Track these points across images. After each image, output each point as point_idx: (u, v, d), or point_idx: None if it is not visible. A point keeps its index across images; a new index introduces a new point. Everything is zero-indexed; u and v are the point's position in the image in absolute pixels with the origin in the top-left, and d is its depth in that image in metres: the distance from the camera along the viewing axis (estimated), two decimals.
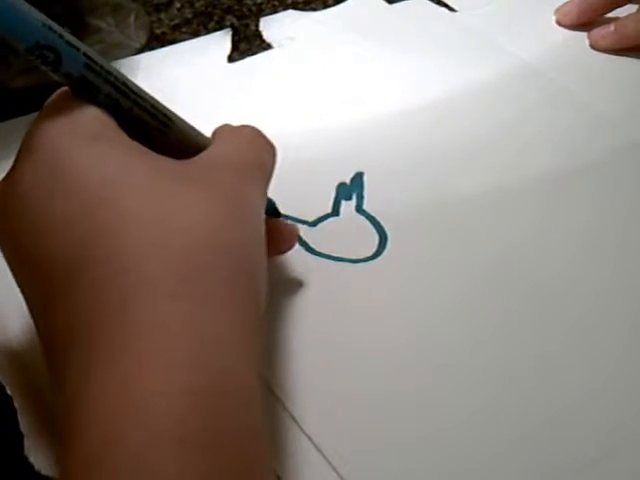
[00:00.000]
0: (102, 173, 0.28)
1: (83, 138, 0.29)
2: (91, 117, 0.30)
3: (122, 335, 0.25)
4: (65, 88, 0.31)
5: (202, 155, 0.32)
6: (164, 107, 0.33)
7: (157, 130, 0.32)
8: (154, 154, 0.30)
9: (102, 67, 0.30)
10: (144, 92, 0.32)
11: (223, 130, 0.35)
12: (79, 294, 0.26)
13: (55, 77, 0.29)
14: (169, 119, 0.33)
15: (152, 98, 0.32)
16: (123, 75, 0.31)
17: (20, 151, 0.30)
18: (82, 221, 0.27)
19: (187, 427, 0.23)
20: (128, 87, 0.31)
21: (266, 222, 0.35)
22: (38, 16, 0.28)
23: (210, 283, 0.27)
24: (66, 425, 0.25)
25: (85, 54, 0.30)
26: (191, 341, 0.25)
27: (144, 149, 0.30)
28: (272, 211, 0.38)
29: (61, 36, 0.29)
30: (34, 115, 0.46)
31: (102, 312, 0.26)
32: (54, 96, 0.31)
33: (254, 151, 0.33)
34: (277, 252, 0.38)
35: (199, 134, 0.34)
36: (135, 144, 0.30)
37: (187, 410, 0.24)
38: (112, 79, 0.31)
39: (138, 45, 0.53)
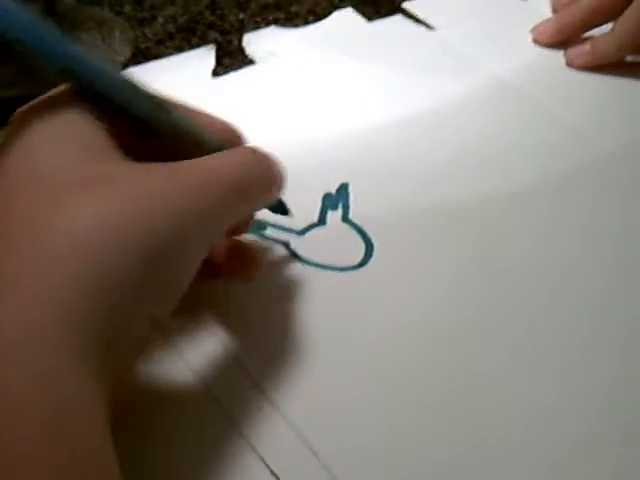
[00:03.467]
0: (21, 171, 0.28)
1: (45, 124, 0.29)
2: (71, 108, 0.30)
3: None
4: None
5: (184, 163, 0.31)
6: (162, 98, 0.32)
7: (155, 120, 0.32)
8: (109, 156, 0.30)
9: (97, 59, 0.30)
10: (138, 83, 0.31)
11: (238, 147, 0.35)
12: None
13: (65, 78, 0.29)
14: (167, 110, 0.32)
15: (148, 90, 0.32)
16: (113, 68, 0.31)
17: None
18: None
19: None
20: (120, 79, 0.31)
21: (231, 245, 0.36)
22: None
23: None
24: None
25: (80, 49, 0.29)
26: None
27: (103, 148, 0.30)
28: (280, 210, 0.39)
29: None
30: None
31: None
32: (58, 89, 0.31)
33: (238, 171, 0.32)
34: (240, 277, 0.38)
35: (206, 136, 0.34)
36: (95, 143, 0.29)
37: None
38: (103, 73, 0.30)
39: (123, 59, 0.54)
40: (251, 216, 0.38)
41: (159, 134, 0.32)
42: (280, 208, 0.39)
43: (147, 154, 0.31)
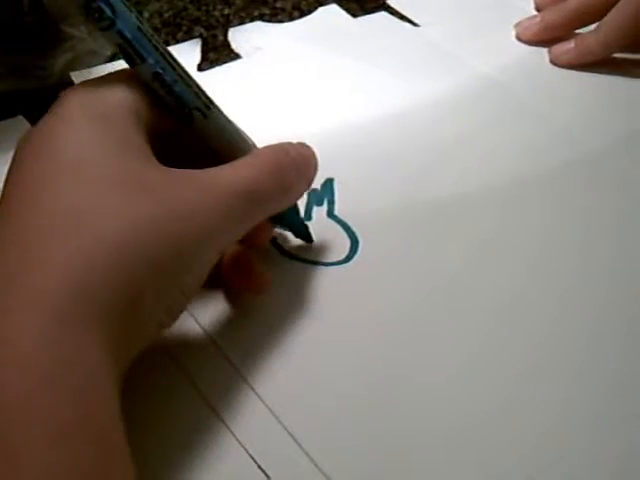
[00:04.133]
0: (67, 156, 0.29)
1: (88, 116, 0.30)
2: (116, 99, 0.31)
3: None
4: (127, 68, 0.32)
5: (202, 172, 0.32)
6: (205, 92, 0.34)
7: (198, 111, 0.33)
8: (147, 156, 0.31)
9: (152, 34, 0.31)
10: (188, 72, 0.33)
11: (258, 149, 0.36)
12: None
13: (105, 37, 0.30)
14: (211, 102, 0.34)
15: (195, 80, 0.33)
16: (169, 51, 0.32)
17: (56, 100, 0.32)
18: (13, 183, 0.30)
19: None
20: (174, 59, 0.32)
21: (243, 260, 0.37)
22: None
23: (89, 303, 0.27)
24: None
25: (138, 17, 0.31)
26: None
27: (138, 148, 0.31)
28: (304, 235, 0.40)
29: None
30: (9, 121, 0.47)
31: None
32: (114, 71, 0.33)
33: (250, 180, 0.33)
34: (245, 289, 0.39)
35: (240, 135, 0.35)
36: (132, 142, 0.31)
37: None
38: (161, 48, 0.32)
39: (109, 53, 0.54)
40: (269, 228, 0.39)
41: (192, 122, 0.33)
42: (305, 234, 0.41)
43: (176, 153, 0.33)
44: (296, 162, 0.36)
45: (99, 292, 0.27)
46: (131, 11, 0.31)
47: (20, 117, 0.48)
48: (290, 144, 0.37)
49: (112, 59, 0.53)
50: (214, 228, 0.31)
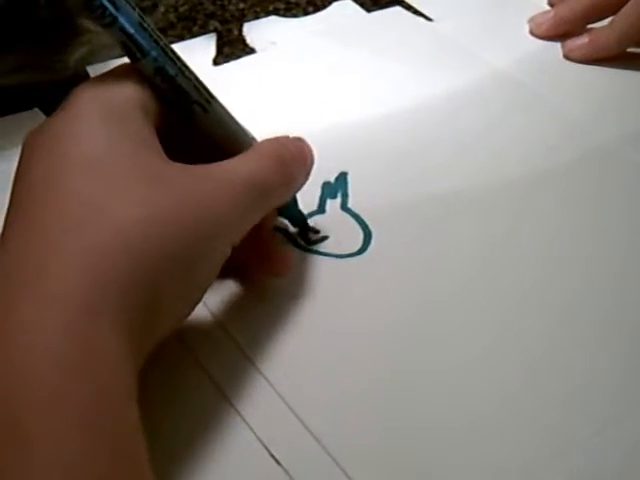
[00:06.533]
0: (80, 152, 0.30)
1: (99, 113, 0.31)
2: (124, 95, 0.32)
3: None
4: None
5: (209, 166, 0.33)
6: (207, 87, 0.34)
7: (198, 105, 0.33)
8: (157, 151, 0.32)
9: (153, 29, 0.32)
10: (188, 66, 0.33)
11: (259, 143, 0.36)
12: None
13: (108, 34, 0.31)
14: (211, 96, 0.34)
15: (196, 74, 0.34)
16: (170, 45, 0.33)
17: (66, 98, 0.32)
18: (24, 180, 0.30)
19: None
20: (175, 54, 0.33)
21: (262, 243, 0.37)
22: None
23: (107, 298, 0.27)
24: None
25: (139, 14, 0.31)
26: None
27: (149, 143, 0.31)
28: (302, 226, 0.41)
29: None
30: (26, 113, 0.47)
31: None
32: (121, 64, 0.33)
33: (257, 172, 0.34)
34: (269, 273, 0.39)
35: (240, 129, 0.36)
36: (142, 136, 0.31)
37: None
38: (162, 43, 0.32)
39: None
40: (274, 216, 0.39)
41: (193, 116, 0.34)
42: (303, 224, 0.41)
43: (179, 148, 0.33)
44: (295, 155, 0.37)
45: (118, 284, 0.27)
46: (132, 7, 0.31)
47: (36, 110, 0.49)
48: (286, 137, 0.37)
49: None
50: (228, 219, 0.32)
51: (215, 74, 0.54)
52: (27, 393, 0.24)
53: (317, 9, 0.61)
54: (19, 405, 0.24)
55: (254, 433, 0.33)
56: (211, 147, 0.35)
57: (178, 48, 0.54)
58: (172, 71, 0.33)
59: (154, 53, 0.32)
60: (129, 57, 0.32)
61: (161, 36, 0.32)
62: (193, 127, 0.34)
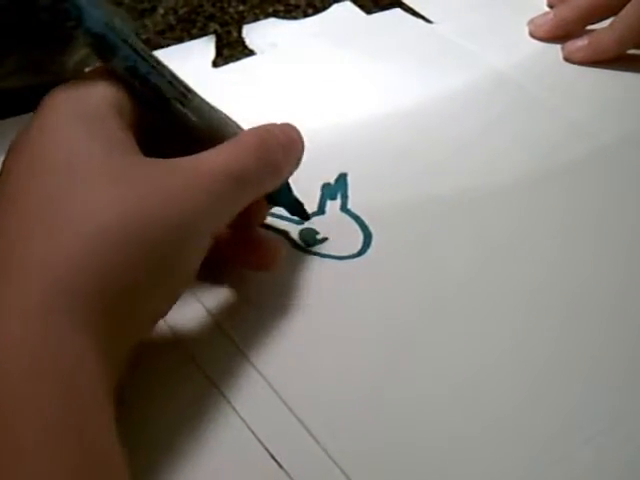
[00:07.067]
0: (51, 155, 0.30)
1: (72, 114, 0.31)
2: (97, 96, 0.32)
3: None
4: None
5: (185, 159, 0.32)
6: (183, 81, 0.34)
7: (176, 100, 0.33)
8: (131, 150, 0.32)
9: (121, 29, 0.31)
10: (162, 62, 0.33)
11: (242, 132, 0.36)
12: None
13: (77, 35, 0.31)
14: (188, 90, 0.34)
15: (170, 69, 0.34)
16: (140, 42, 0.33)
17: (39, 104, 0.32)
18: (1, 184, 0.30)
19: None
20: (146, 52, 0.32)
21: (250, 235, 0.37)
22: None
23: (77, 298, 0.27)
24: None
25: (105, 13, 0.31)
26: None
27: (122, 142, 0.31)
28: (299, 212, 0.41)
29: None
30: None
31: None
32: (94, 67, 0.34)
33: (234, 162, 0.33)
34: (257, 267, 0.39)
35: (223, 120, 0.35)
36: (116, 136, 0.31)
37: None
38: (131, 41, 0.32)
39: None
40: (264, 206, 0.39)
41: (170, 111, 0.34)
42: (300, 211, 0.41)
43: (161, 144, 0.33)
44: (281, 141, 0.36)
45: (81, 285, 0.27)
46: (98, 7, 0.31)
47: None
48: (274, 124, 0.37)
49: None
50: (200, 212, 0.31)
51: (214, 76, 0.54)
52: None
53: (317, 11, 0.61)
54: None
55: (253, 433, 0.33)
56: (195, 142, 0.34)
57: (177, 50, 0.56)
58: (144, 69, 0.32)
59: (123, 52, 0.32)
60: (99, 58, 0.32)
61: (131, 34, 0.32)
62: (173, 123, 0.34)
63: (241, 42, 0.57)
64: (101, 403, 0.27)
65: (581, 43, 0.55)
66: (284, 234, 0.42)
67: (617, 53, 0.55)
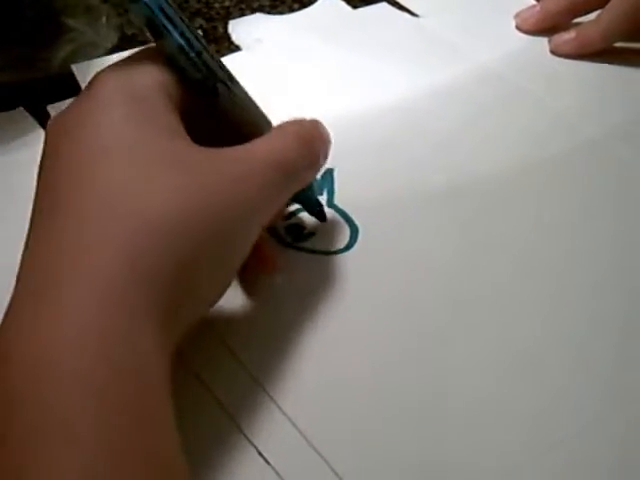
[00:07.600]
0: (106, 140, 0.30)
1: (122, 98, 0.31)
2: (147, 79, 0.31)
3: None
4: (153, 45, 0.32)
5: (236, 148, 0.33)
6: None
7: (222, 84, 0.33)
8: (179, 136, 0.31)
9: (174, 9, 0.31)
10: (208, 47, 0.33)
11: (281, 125, 0.36)
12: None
13: (133, 10, 0.31)
14: (232, 76, 0.34)
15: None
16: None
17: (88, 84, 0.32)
18: (55, 169, 0.30)
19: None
20: (196, 33, 0.33)
21: (259, 241, 0.36)
22: None
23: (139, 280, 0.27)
24: None
25: None
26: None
27: (173, 127, 0.31)
28: (318, 213, 0.41)
29: None
30: (10, 112, 0.47)
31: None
32: (144, 47, 0.33)
33: (284, 153, 0.34)
34: (262, 271, 0.39)
35: (260, 111, 0.36)
36: (167, 121, 0.31)
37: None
38: (185, 21, 0.32)
39: (109, 45, 0.54)
40: (283, 207, 0.40)
41: (217, 95, 0.34)
42: (319, 212, 0.41)
43: (202, 133, 0.33)
44: (316, 135, 0.37)
45: (152, 273, 0.27)
46: None
47: (20, 109, 0.48)
48: (305, 120, 0.37)
49: (112, 51, 0.54)
50: (254, 200, 0.32)
51: None
52: (60, 381, 0.24)
53: (303, 6, 0.61)
54: (58, 402, 0.24)
55: (246, 438, 0.33)
56: (232, 130, 0.35)
57: None
58: (196, 48, 0.32)
59: (178, 30, 0.32)
60: (153, 34, 0.32)
61: (182, 14, 0.32)
62: (216, 109, 0.34)
63: (227, 38, 0.57)
64: (166, 393, 0.27)
65: (568, 36, 0.56)
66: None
67: (604, 46, 0.55)
